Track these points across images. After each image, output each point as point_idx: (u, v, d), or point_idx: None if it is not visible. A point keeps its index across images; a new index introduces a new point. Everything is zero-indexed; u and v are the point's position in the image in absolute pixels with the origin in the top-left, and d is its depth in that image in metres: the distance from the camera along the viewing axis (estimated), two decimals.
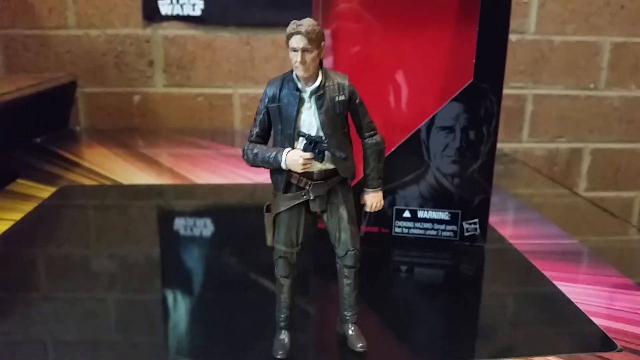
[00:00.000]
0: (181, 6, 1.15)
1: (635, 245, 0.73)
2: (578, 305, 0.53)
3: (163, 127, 1.22)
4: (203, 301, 0.54)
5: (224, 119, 1.23)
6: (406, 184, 0.64)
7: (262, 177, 0.86)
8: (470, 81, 0.59)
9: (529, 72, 1.24)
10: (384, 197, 0.65)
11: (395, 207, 0.65)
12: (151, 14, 1.16)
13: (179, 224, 0.75)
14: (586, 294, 0.55)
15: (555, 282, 0.57)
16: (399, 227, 0.66)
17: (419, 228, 0.65)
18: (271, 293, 0.46)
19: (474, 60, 0.59)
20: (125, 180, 0.88)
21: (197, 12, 1.16)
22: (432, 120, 0.61)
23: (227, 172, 0.93)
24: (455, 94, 0.60)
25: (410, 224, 0.65)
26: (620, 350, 0.46)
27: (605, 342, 0.47)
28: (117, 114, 1.22)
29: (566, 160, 1.31)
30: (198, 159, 1.02)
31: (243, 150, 0.41)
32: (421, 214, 0.65)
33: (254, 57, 1.20)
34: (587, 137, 1.30)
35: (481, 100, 0.59)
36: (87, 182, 0.87)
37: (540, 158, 1.30)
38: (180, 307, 0.53)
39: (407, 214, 0.65)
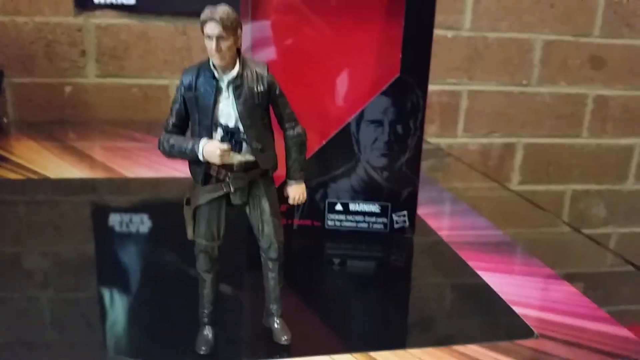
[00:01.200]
0: None
1: (560, 237, 0.76)
2: (500, 294, 0.54)
3: (96, 119, 1.18)
4: (140, 298, 0.53)
5: (160, 111, 1.20)
6: (338, 177, 0.64)
7: None
8: (397, 75, 0.60)
9: (464, 69, 1.26)
10: (316, 190, 0.65)
11: (327, 200, 0.65)
12: (83, 2, 1.12)
13: (114, 219, 0.72)
14: (508, 284, 0.57)
15: (479, 272, 0.58)
16: (332, 220, 0.66)
17: (351, 221, 0.66)
18: None
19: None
20: (56, 176, 0.84)
21: (131, 1, 1.12)
22: (362, 113, 0.62)
23: (163, 166, 0.90)
24: (383, 88, 0.60)
25: (342, 217, 0.66)
26: (537, 337, 0.48)
27: (523, 330, 0.49)
28: (47, 106, 1.17)
29: (499, 155, 1.34)
30: (133, 152, 0.99)
31: (159, 141, 0.40)
32: (353, 207, 0.65)
33: (191, 47, 1.18)
34: (520, 132, 1.34)
35: (407, 94, 0.60)
36: (14, 177, 0.83)
37: (475, 152, 1.33)
38: (116, 305, 0.52)
39: (339, 207, 0.65)
